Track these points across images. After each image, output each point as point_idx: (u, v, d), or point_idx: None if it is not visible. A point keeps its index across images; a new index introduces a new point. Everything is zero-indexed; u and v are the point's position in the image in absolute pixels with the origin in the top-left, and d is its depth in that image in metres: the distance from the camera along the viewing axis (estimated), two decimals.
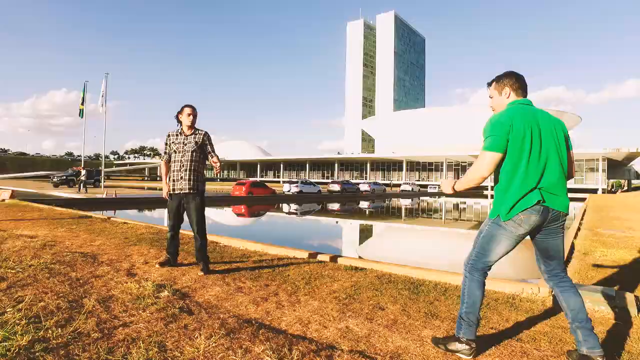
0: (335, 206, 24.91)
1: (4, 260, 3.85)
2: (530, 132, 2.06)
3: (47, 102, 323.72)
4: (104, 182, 31.90)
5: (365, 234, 13.67)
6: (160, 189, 33.91)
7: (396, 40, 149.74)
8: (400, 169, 73.39)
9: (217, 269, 4.01)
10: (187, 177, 3.82)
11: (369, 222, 16.90)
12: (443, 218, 19.90)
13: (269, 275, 3.87)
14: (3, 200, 14.85)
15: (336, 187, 32.88)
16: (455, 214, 22.56)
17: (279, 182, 70.48)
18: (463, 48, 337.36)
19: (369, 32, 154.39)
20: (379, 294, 3.33)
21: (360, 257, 5.21)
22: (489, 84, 2.36)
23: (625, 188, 71.68)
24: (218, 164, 3.89)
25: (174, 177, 3.89)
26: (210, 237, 6.17)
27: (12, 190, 17.44)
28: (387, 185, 48.61)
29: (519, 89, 2.24)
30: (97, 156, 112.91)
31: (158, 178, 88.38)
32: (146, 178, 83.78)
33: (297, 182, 28.99)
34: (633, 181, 73.50)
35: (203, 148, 3.92)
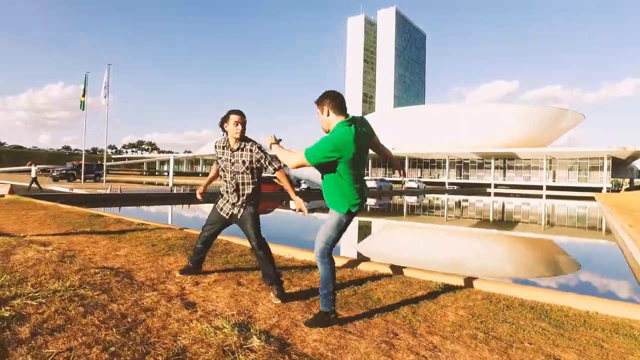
0: None
1: (20, 283, 2.98)
2: None
3: (44, 95, 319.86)
4: (105, 176, 30.96)
5: (404, 237, 12.83)
6: (160, 184, 32.83)
7: (397, 36, 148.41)
8: (402, 166, 72.44)
9: (291, 292, 3.17)
10: (236, 202, 3.25)
11: (402, 223, 16.05)
12: (475, 218, 19.13)
13: (360, 301, 3.04)
14: (2, 195, 13.90)
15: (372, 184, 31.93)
16: (485, 214, 21.80)
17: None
18: (462, 46, 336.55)
19: (370, 28, 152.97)
20: (520, 330, 2.60)
21: (431, 270, 4.39)
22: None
23: (628, 187, 71.22)
24: (284, 178, 3.26)
25: (223, 192, 3.36)
26: (244, 242, 5.36)
27: (11, 185, 16.50)
28: (393, 182, 47.69)
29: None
30: (95, 150, 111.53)
31: (156, 173, 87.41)
32: (145, 173, 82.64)
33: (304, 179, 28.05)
34: (636, 180, 72.94)
35: (255, 166, 3.22)
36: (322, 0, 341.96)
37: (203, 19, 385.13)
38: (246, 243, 5.32)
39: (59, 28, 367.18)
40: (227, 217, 3.25)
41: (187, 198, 18.80)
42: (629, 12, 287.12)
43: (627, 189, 65.27)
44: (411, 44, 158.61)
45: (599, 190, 54.54)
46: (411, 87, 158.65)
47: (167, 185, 27.00)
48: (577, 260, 8.97)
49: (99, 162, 36.54)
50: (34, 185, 17.86)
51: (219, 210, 3.30)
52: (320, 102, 2.48)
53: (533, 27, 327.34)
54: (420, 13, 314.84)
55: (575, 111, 73.15)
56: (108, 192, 17.62)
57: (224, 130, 3.19)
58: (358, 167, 2.45)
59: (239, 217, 3.18)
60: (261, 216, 3.31)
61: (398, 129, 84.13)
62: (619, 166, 64.71)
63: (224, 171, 3.23)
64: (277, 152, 2.58)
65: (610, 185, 56.73)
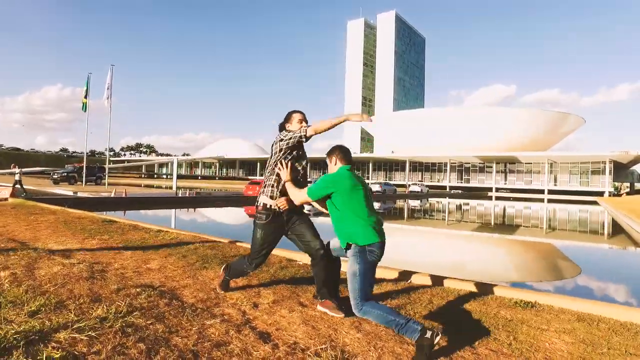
0: None
1: (58, 308, 2.53)
2: None
3: (41, 97, 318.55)
4: (103, 179, 30.45)
5: (423, 242, 12.39)
6: (159, 187, 32.27)
7: (397, 40, 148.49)
8: (403, 169, 72.24)
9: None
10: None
11: (419, 228, 15.62)
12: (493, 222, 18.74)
13: (444, 323, 2.62)
14: (5, 199, 13.42)
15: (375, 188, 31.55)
16: (501, 218, 21.41)
17: None
18: (460, 49, 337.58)
19: (370, 32, 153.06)
20: None
21: (496, 284, 3.98)
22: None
23: (628, 191, 71.13)
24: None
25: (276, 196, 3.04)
26: (281, 252, 4.94)
27: (13, 188, 16.01)
28: (398, 185, 47.31)
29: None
30: (93, 152, 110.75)
31: (155, 175, 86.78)
32: (143, 175, 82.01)
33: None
34: (636, 184, 72.87)
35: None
36: (322, 4, 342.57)
37: (202, 22, 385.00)
38: (278, 252, 4.91)
39: (57, 28, 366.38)
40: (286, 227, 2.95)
41: (194, 202, 18.35)
42: (625, 20, 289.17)
43: (627, 193, 65.20)
44: (410, 47, 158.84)
45: (600, 194, 54.41)
46: (410, 91, 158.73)
47: (171, 188, 26.52)
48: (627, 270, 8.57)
49: (98, 165, 35.98)
50: (17, 186, 17.18)
51: (275, 224, 2.89)
52: (330, 153, 2.84)
53: (531, 31, 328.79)
54: (419, 17, 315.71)
55: (576, 115, 73.15)
56: (112, 195, 17.15)
57: (285, 130, 3.00)
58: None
59: (297, 221, 2.94)
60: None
61: (398, 133, 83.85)
62: (619, 170, 64.66)
63: (295, 169, 2.95)
64: (287, 188, 2.87)
65: (612, 190, 56.60)
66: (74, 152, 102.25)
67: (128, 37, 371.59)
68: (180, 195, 19.88)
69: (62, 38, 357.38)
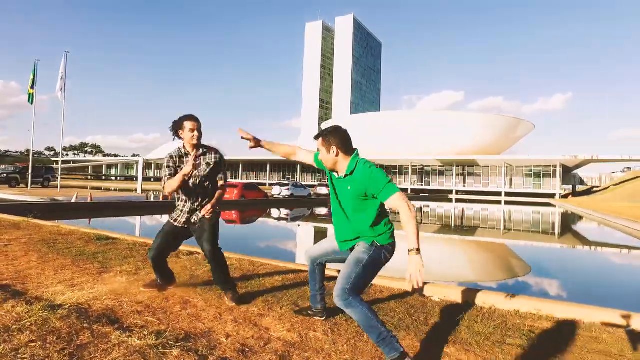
0: None
1: None
2: None
3: None
4: (53, 181, 27.00)
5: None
6: (107, 189, 29.25)
7: (354, 44, 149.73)
8: None
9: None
10: (197, 209, 3.13)
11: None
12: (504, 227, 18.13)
13: None
14: None
15: (325, 190, 30.39)
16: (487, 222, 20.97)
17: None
18: (413, 55, 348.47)
19: (327, 34, 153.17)
20: None
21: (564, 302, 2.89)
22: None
23: (570, 192, 75.58)
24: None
25: (179, 204, 3.18)
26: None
27: None
28: None
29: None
30: (28, 152, 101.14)
31: (103, 177, 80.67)
32: (90, 177, 75.83)
33: (288, 185, 26.32)
34: (578, 186, 77.67)
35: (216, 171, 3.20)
36: (281, 6, 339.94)
37: (154, 17, 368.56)
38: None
39: None
40: (182, 227, 3.11)
41: (166, 207, 16.18)
42: (560, 34, 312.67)
43: (573, 195, 69.20)
44: (368, 51, 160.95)
45: (552, 196, 57.29)
46: (367, 94, 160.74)
47: (135, 191, 23.84)
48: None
49: (44, 165, 32.00)
50: None
51: (173, 222, 3.12)
52: (326, 137, 2.39)
53: (479, 40, 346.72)
54: (376, 22, 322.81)
55: (527, 121, 76.86)
56: (74, 200, 14.64)
57: (178, 137, 3.06)
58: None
59: (197, 225, 3.08)
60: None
61: (358, 136, 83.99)
62: (565, 174, 68.64)
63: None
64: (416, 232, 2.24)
65: (562, 192, 59.73)
66: (7, 152, 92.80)
67: (69, 26, 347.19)
68: (153, 199, 17.57)
69: None
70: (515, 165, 62.39)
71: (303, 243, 10.96)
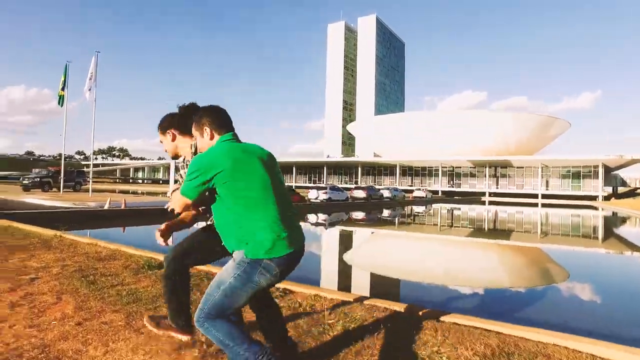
0: (385, 214, 20.94)
1: None
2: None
3: (4, 98, 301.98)
4: (84, 184, 26.57)
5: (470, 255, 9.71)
6: (152, 193, 28.70)
7: (377, 44, 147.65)
8: (392, 174, 70.31)
9: None
10: None
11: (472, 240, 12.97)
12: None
13: None
14: None
15: (361, 194, 28.90)
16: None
17: None
18: (434, 56, 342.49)
19: (350, 35, 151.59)
20: None
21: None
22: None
23: (612, 194, 71.74)
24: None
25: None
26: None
27: None
28: (406, 191, 44.81)
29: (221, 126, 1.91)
30: (60, 156, 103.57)
31: (130, 180, 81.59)
32: (118, 180, 76.81)
33: (325, 188, 25.02)
34: (619, 188, 73.63)
35: None
36: (303, 7, 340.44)
37: (174, 25, 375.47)
38: None
39: (21, 26, 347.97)
40: None
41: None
42: (586, 34, 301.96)
43: (615, 197, 65.48)
44: (391, 51, 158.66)
45: (593, 198, 54.19)
46: (391, 95, 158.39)
47: (166, 194, 23.01)
48: None
49: (72, 169, 31.76)
50: None
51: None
52: (196, 122, 1.93)
53: (501, 39, 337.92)
54: (398, 22, 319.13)
55: (562, 119, 73.44)
56: (107, 207, 13.73)
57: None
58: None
59: None
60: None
61: (384, 137, 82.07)
62: (605, 174, 65.03)
63: None
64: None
65: (604, 194, 56.44)
66: (40, 156, 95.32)
67: (94, 31, 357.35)
68: None
69: (26, 36, 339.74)
70: (552, 165, 59.33)
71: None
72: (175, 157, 2.32)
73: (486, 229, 17.77)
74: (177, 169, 2.38)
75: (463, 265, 8.60)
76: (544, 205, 44.62)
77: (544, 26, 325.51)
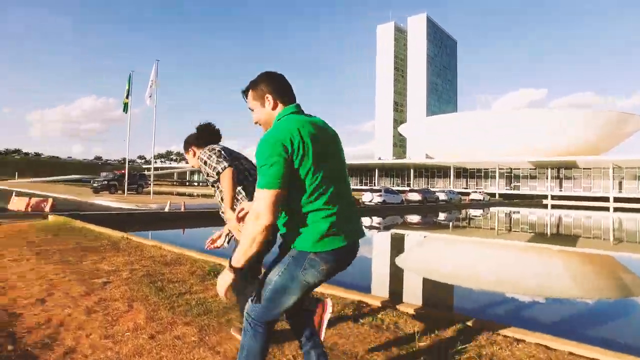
0: (442, 218, 20.12)
1: None
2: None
3: (77, 108, 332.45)
4: (146, 187, 28.01)
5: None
6: (190, 194, 29.54)
7: (428, 43, 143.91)
8: (446, 176, 67.81)
9: None
10: None
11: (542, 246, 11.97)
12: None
13: None
14: (45, 215, 10.59)
15: (416, 197, 28.02)
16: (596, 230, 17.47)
17: None
18: (488, 53, 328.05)
19: (400, 35, 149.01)
20: None
21: None
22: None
23: None
24: None
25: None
26: None
27: (53, 201, 13.32)
28: (461, 193, 43.13)
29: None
30: (124, 160, 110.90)
31: (187, 183, 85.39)
32: (175, 183, 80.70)
33: (380, 191, 24.50)
34: None
35: None
36: (351, 8, 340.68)
37: (228, 32, 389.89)
38: None
39: (86, 41, 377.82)
40: None
41: None
42: None
43: None
44: (442, 50, 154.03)
45: None
46: (443, 95, 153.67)
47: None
48: None
49: (135, 172, 33.65)
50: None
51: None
52: (254, 88, 1.68)
53: (558, 35, 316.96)
54: (449, 20, 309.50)
55: (638, 115, 67.05)
56: (167, 209, 14.22)
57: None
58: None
59: None
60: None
61: (436, 138, 79.64)
62: None
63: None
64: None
65: None
66: (107, 160, 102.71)
67: (152, 43, 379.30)
68: None
69: (93, 50, 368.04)
70: (626, 166, 54.19)
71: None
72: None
73: (553, 233, 16.42)
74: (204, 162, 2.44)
75: (548, 279, 7.83)
76: (616, 209, 40.90)
77: (611, 19, 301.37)
